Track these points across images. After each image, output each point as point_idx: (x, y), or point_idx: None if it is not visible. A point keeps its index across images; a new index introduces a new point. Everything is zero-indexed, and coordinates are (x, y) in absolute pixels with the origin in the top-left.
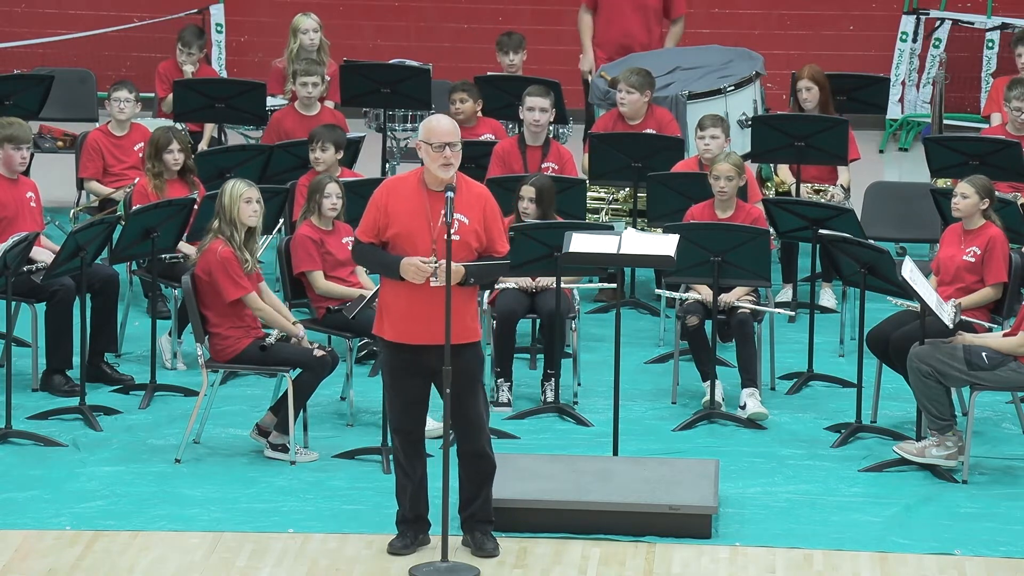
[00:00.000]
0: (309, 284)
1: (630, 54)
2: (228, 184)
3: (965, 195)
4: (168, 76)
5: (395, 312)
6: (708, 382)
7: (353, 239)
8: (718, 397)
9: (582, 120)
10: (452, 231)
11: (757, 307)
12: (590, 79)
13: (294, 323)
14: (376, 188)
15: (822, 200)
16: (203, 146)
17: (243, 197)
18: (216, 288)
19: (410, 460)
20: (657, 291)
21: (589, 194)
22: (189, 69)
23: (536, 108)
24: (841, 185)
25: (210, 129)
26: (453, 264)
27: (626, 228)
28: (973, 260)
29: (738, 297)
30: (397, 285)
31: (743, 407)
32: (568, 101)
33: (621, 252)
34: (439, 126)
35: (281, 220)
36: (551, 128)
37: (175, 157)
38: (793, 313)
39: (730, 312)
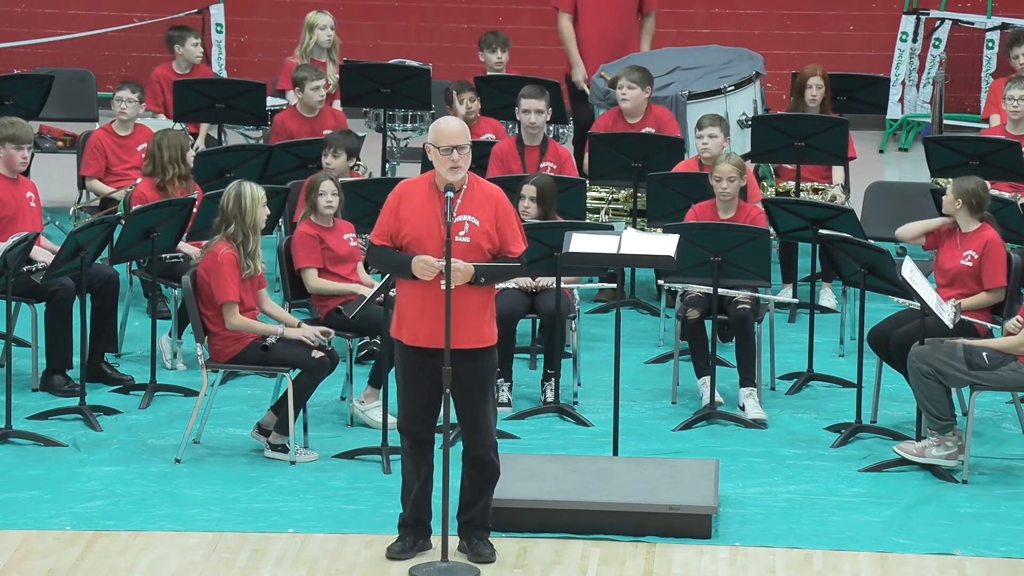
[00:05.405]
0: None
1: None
2: (245, 187)
3: (948, 192)
4: (161, 82)
5: (410, 315)
6: (703, 379)
7: (368, 243)
8: (717, 397)
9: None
10: (462, 232)
11: (757, 295)
12: (585, 87)
13: (299, 325)
14: (390, 190)
15: (822, 200)
16: (200, 145)
17: (262, 201)
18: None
19: (415, 461)
20: (660, 281)
21: (589, 194)
22: (197, 54)
23: (532, 110)
24: (841, 184)
25: (204, 129)
26: (463, 263)
27: (626, 228)
28: (971, 264)
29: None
30: (411, 288)
31: (742, 408)
32: (568, 101)
33: (621, 252)
34: (447, 129)
35: (281, 220)
36: (550, 128)
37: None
38: (795, 300)
39: (731, 307)
